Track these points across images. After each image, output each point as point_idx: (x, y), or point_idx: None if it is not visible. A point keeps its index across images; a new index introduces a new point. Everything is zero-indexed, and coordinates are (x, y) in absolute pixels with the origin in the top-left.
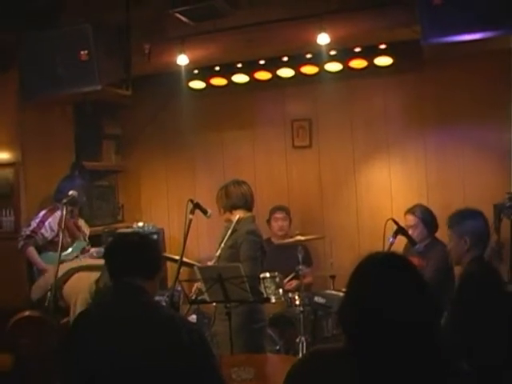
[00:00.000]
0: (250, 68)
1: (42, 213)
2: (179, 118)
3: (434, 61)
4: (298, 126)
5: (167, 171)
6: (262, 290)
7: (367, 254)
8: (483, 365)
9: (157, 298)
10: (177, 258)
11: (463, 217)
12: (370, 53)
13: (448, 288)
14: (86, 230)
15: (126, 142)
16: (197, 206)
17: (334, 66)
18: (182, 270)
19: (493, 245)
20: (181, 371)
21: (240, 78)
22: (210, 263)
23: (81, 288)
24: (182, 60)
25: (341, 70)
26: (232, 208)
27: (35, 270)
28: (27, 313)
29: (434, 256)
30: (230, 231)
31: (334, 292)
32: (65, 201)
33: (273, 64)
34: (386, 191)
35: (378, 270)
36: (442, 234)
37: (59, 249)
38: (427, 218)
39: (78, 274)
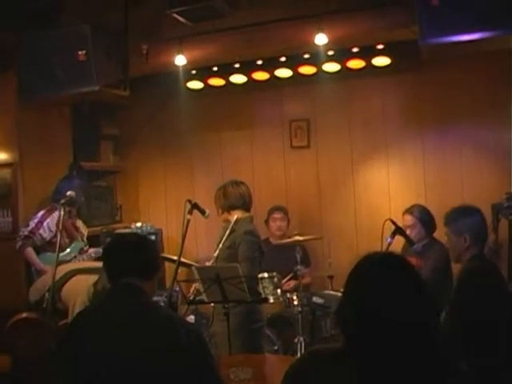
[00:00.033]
0: (247, 68)
1: (41, 213)
2: (177, 119)
3: (432, 61)
4: (296, 127)
5: (165, 171)
6: (260, 290)
7: (365, 254)
8: (483, 365)
9: (155, 298)
10: (175, 258)
11: (460, 214)
12: (367, 53)
13: (446, 287)
14: (84, 230)
15: (123, 143)
16: (195, 206)
17: (331, 67)
18: (180, 271)
19: (491, 245)
20: (179, 372)
21: (238, 79)
22: (208, 263)
23: (79, 290)
24: (180, 60)
25: (339, 71)
26: (230, 208)
27: (33, 271)
28: (25, 314)
29: (432, 256)
30: (228, 231)
31: (332, 292)
32: (63, 201)
33: (271, 64)
34: (384, 191)
35: (376, 270)
36: (440, 233)
37: (57, 249)
38: (425, 218)
39: (77, 277)
